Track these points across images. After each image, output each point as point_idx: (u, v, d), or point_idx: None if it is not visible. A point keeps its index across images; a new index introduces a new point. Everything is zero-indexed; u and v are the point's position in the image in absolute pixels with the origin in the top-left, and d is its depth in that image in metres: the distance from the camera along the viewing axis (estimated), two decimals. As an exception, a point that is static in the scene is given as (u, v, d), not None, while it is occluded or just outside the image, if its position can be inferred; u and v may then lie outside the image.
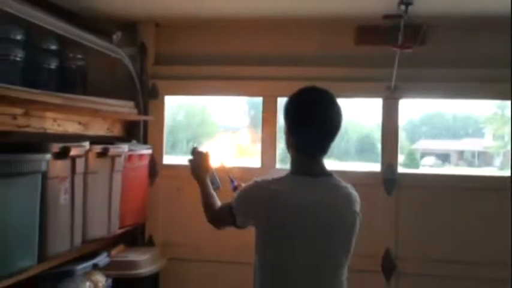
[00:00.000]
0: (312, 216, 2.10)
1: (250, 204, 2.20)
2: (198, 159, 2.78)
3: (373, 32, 4.48)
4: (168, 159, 4.94)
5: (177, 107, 6.09)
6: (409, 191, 4.47)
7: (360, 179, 4.44)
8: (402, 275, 4.46)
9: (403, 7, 3.63)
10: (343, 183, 2.25)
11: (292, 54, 4.66)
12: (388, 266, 4.47)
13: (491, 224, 4.37)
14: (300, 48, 4.66)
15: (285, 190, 2.12)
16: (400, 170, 4.59)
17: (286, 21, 4.52)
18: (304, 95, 2.19)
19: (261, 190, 2.16)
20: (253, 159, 4.57)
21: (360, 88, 4.57)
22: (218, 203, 2.59)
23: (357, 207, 2.24)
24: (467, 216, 4.41)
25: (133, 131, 4.68)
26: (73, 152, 3.20)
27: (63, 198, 3.19)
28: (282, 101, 4.38)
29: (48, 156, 2.94)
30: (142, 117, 4.59)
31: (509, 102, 4.54)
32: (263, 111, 4.72)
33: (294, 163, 2.21)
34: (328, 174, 2.22)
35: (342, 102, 2.25)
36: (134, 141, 4.51)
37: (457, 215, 4.43)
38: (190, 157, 2.77)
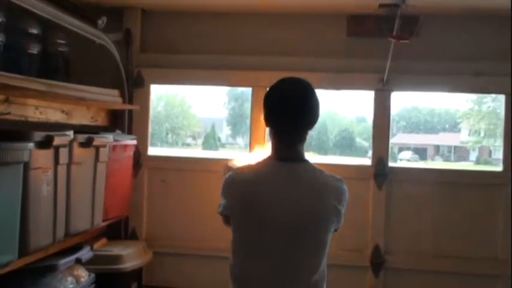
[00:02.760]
0: (280, 200, 2.08)
1: (227, 188, 2.21)
2: None
3: (365, 23, 4.41)
4: (152, 151, 4.80)
5: (156, 98, 5.95)
6: (400, 185, 4.41)
7: (350, 173, 4.41)
8: (391, 270, 4.41)
9: (400, -4, 3.53)
10: (323, 173, 2.20)
11: (283, 44, 4.55)
12: (377, 262, 4.41)
13: (482, 219, 4.35)
14: (290, 38, 4.56)
15: (258, 173, 2.16)
16: (391, 164, 4.52)
17: (277, 10, 4.41)
18: (279, 85, 2.21)
19: (236, 175, 2.21)
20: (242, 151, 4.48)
21: (352, 80, 4.49)
22: None
23: (334, 199, 2.13)
24: (458, 211, 4.38)
25: (117, 121, 4.53)
26: (56, 141, 3.03)
27: (46, 190, 3.02)
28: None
29: (31, 145, 2.77)
30: (127, 106, 4.44)
31: (495, 95, 4.50)
32: (252, 102, 4.61)
33: (272, 149, 2.23)
34: (305, 160, 2.21)
35: (322, 94, 2.24)
36: (118, 131, 4.36)
37: (447, 210, 4.39)
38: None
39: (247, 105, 4.81)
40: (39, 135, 2.92)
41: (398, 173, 4.48)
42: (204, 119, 8.99)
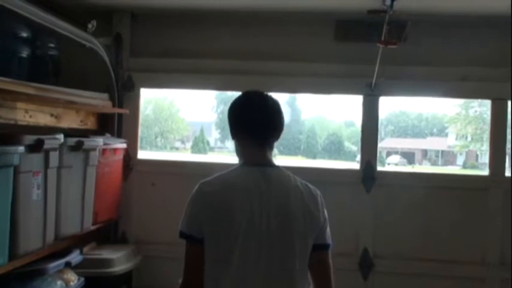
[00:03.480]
0: (255, 202, 2.06)
1: (198, 201, 2.12)
2: None
3: (353, 28, 4.44)
4: (142, 154, 4.80)
5: (145, 102, 5.97)
6: (389, 189, 4.44)
7: (339, 177, 4.45)
8: (380, 273, 4.43)
9: (388, 2, 3.57)
10: (296, 177, 2.20)
11: (271, 49, 4.57)
12: (366, 265, 4.44)
13: (469, 223, 4.39)
14: (279, 43, 4.57)
15: (230, 179, 2.13)
16: (380, 168, 4.56)
17: (266, 14, 4.43)
18: (244, 100, 2.25)
19: (205, 186, 2.13)
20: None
21: (340, 85, 4.53)
22: None
23: (308, 201, 2.13)
24: (446, 215, 4.41)
25: (107, 124, 4.52)
26: (47, 144, 3.04)
27: (36, 194, 3.03)
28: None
29: (21, 148, 2.78)
30: (117, 110, 4.44)
31: (482, 101, 4.57)
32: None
33: (241, 158, 2.22)
34: (276, 165, 2.21)
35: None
36: (108, 135, 4.36)
37: (436, 214, 4.42)
38: None
39: (237, 109, 4.81)
40: (29, 139, 2.93)
41: (387, 177, 4.53)
42: (192, 123, 9.01)
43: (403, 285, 4.40)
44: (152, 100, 8.70)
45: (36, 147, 2.97)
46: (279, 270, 2.07)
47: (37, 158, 3.04)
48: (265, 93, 2.25)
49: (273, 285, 2.06)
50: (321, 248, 2.16)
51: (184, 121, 9.05)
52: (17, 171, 2.81)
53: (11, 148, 2.71)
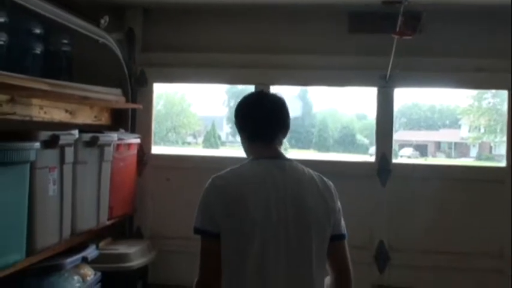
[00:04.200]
0: (271, 192, 2.05)
1: (212, 195, 2.09)
2: None
3: (367, 19, 4.40)
4: (155, 149, 4.80)
5: (156, 97, 5.94)
6: (404, 181, 4.40)
7: (354, 170, 4.42)
8: (396, 266, 4.41)
9: (403, -7, 3.53)
10: (309, 169, 2.20)
11: (284, 42, 4.54)
12: (382, 258, 4.41)
13: (484, 215, 4.35)
14: (292, 35, 4.54)
15: (244, 172, 2.12)
16: (394, 160, 4.52)
17: (277, 7, 4.40)
18: (252, 100, 2.29)
19: (219, 180, 2.11)
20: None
21: (354, 77, 4.50)
22: None
23: (324, 192, 2.13)
24: (463, 207, 4.38)
25: (120, 119, 4.52)
26: (62, 140, 3.05)
27: (52, 189, 3.04)
28: (274, 90, 4.30)
29: (37, 144, 2.79)
30: (131, 105, 4.44)
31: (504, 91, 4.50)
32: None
33: (251, 153, 2.22)
34: (288, 158, 2.21)
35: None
36: (122, 130, 4.36)
37: (452, 206, 4.38)
38: None
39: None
40: (45, 135, 2.93)
41: (402, 169, 4.49)
42: (204, 118, 8.98)
43: (419, 278, 4.37)
44: (163, 95, 8.67)
45: (51, 143, 2.98)
46: (298, 260, 2.05)
47: (53, 154, 3.04)
48: (270, 92, 2.29)
49: (293, 276, 2.05)
50: (337, 238, 2.16)
51: (195, 116, 9.02)
52: (33, 167, 2.81)
53: (27, 144, 2.72)
